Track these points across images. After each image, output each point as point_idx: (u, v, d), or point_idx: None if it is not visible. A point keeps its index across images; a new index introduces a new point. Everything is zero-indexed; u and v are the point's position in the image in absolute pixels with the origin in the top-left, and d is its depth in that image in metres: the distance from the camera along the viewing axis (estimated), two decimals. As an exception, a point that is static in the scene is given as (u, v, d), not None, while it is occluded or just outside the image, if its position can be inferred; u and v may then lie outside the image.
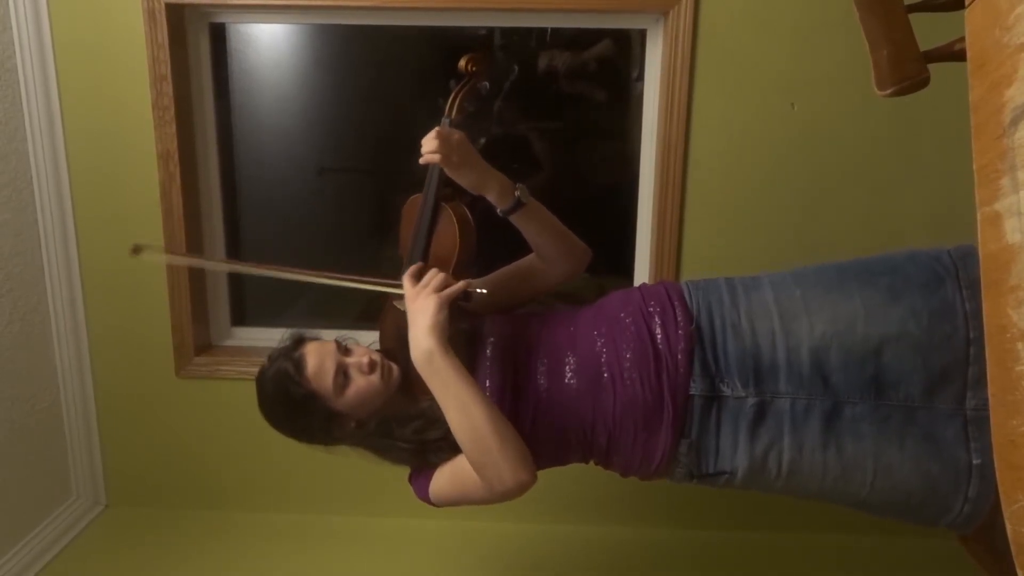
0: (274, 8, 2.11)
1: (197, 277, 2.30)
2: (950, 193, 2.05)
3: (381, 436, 1.36)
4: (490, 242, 1.51)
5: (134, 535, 2.28)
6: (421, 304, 1.24)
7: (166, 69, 2.08)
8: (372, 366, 1.33)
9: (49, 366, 2.29)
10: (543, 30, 2.21)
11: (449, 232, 1.42)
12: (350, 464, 2.35)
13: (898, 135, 2.06)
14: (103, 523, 2.36)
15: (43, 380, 2.27)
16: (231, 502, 2.41)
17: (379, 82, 2.32)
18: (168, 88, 2.10)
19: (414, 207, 1.47)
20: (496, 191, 1.36)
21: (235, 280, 2.43)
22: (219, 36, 2.24)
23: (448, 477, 1.33)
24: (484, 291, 1.31)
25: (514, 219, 1.39)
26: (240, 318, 2.46)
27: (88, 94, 2.14)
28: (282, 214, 2.40)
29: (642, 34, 2.14)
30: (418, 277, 1.29)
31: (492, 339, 1.36)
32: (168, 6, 2.05)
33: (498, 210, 1.38)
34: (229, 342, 2.44)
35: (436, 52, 2.28)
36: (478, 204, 1.42)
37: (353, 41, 2.26)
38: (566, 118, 2.31)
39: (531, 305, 1.56)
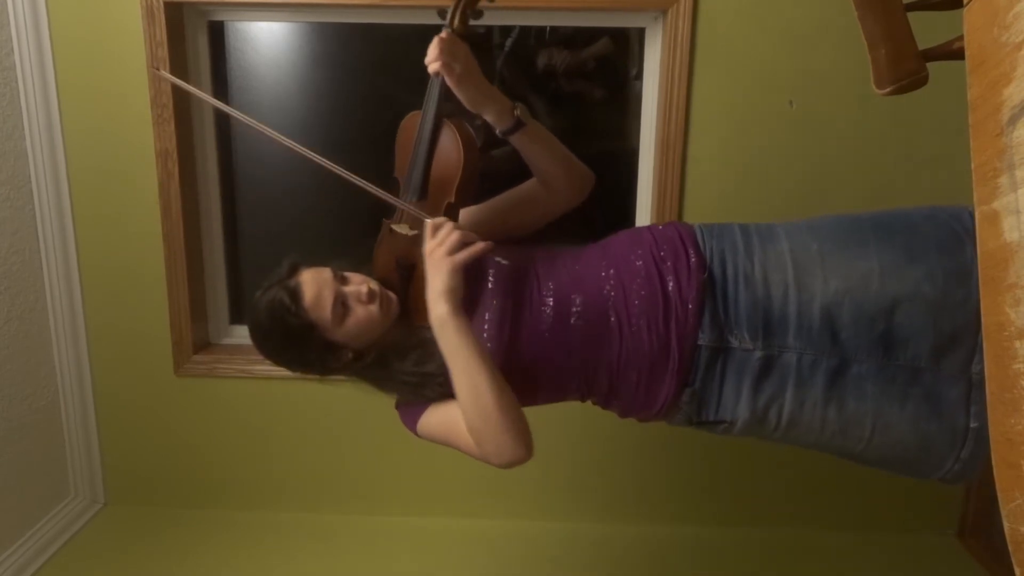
0: (273, 6, 2.11)
1: (196, 275, 2.30)
2: (948, 191, 2.05)
3: (378, 367, 1.32)
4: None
5: (132, 533, 2.28)
6: (435, 264, 1.20)
7: (165, 67, 2.08)
8: (371, 296, 1.29)
9: (47, 364, 2.29)
10: (542, 28, 2.21)
11: (452, 150, 1.31)
12: (349, 463, 2.36)
13: (896, 133, 2.06)
14: (101, 521, 2.36)
15: (41, 378, 2.27)
16: (230, 500, 2.41)
17: (377, 80, 2.32)
18: (167, 86, 2.10)
19: (412, 125, 1.36)
20: (495, 110, 1.30)
21: (234, 278, 2.43)
22: (218, 34, 2.24)
23: (442, 423, 1.29)
24: (505, 262, 1.25)
25: (514, 140, 1.33)
26: (239, 316, 2.46)
27: (87, 92, 2.14)
28: (281, 212, 2.40)
29: (641, 32, 2.15)
30: (436, 229, 1.22)
31: (494, 271, 1.31)
32: (167, 4, 2.05)
33: (497, 130, 1.32)
34: (228, 340, 2.44)
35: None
36: (479, 126, 1.35)
37: (351, 39, 2.26)
38: (565, 116, 2.31)
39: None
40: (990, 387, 0.73)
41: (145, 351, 2.31)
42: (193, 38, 2.19)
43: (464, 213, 1.38)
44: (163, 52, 2.07)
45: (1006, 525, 0.71)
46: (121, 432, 2.39)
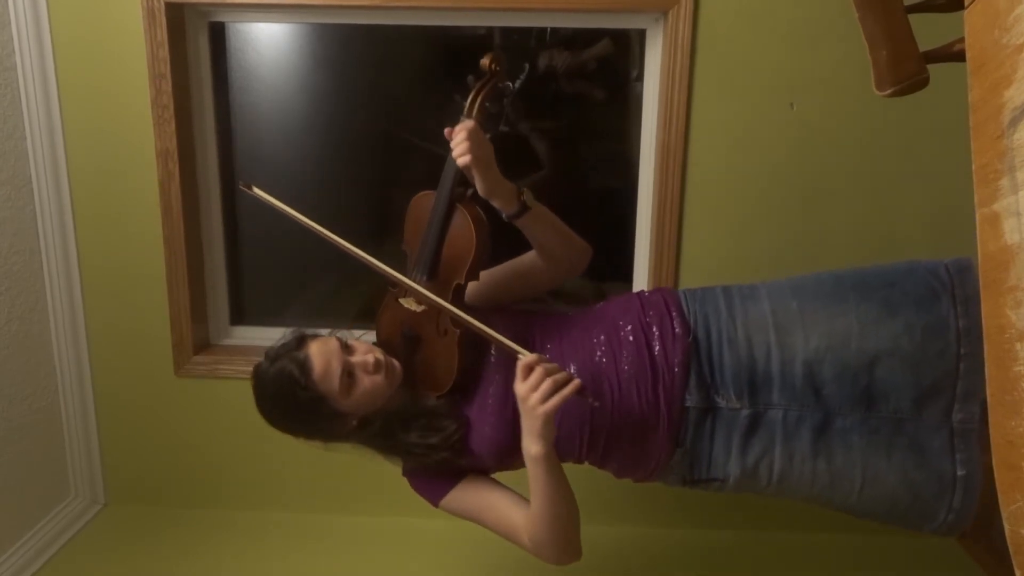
0: (273, 7, 2.11)
1: (197, 275, 2.30)
2: (949, 193, 2.05)
3: (383, 437, 1.37)
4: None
5: (133, 534, 2.28)
6: (529, 412, 1.21)
7: (165, 68, 2.08)
8: (377, 366, 1.33)
9: (48, 365, 2.29)
10: (543, 29, 2.21)
11: (465, 233, 1.36)
12: (349, 463, 2.34)
13: (897, 135, 2.06)
14: (102, 522, 2.36)
15: (42, 379, 2.27)
16: (230, 501, 2.41)
17: (379, 81, 2.32)
18: (167, 87, 2.10)
19: (423, 204, 1.41)
20: (505, 196, 1.34)
21: (234, 279, 2.43)
22: (218, 35, 2.24)
23: (481, 509, 1.36)
24: (597, 403, 1.27)
25: (519, 222, 1.37)
26: (239, 317, 2.46)
27: (87, 92, 2.14)
28: (281, 213, 2.40)
29: (641, 34, 2.14)
30: (528, 371, 1.22)
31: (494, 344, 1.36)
32: (167, 5, 2.05)
33: (504, 215, 1.36)
34: (228, 341, 2.43)
35: (436, 52, 2.28)
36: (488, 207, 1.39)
37: (353, 40, 2.26)
38: (565, 118, 2.31)
39: (528, 304, 1.55)
40: (990, 389, 0.73)
41: (145, 351, 2.31)
42: (194, 39, 2.19)
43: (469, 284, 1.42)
44: (164, 53, 2.07)
45: (1007, 527, 0.71)
46: (121, 432, 2.38)
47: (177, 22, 2.12)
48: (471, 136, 1.28)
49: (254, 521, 2.35)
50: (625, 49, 2.21)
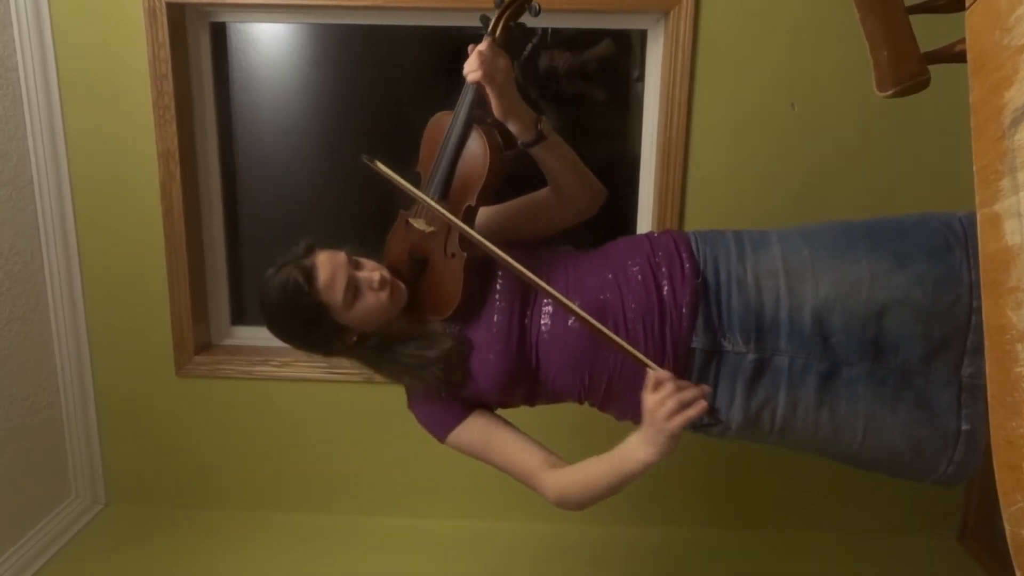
0: (275, 8, 2.11)
1: (197, 276, 2.30)
2: (950, 194, 2.05)
3: (380, 350, 1.36)
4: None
5: (133, 534, 2.28)
6: (654, 423, 1.19)
7: (167, 68, 2.09)
8: (383, 283, 1.31)
9: (49, 365, 2.29)
10: (544, 30, 2.21)
11: (480, 155, 1.34)
12: (349, 464, 2.36)
13: (898, 136, 2.06)
14: (102, 522, 2.36)
15: (43, 379, 2.27)
16: (230, 501, 2.41)
17: (379, 82, 2.32)
18: (169, 87, 2.10)
19: (441, 123, 1.39)
20: (522, 121, 1.31)
21: (235, 279, 2.43)
22: (220, 35, 2.24)
23: (489, 448, 1.35)
24: (719, 426, 1.26)
25: (534, 152, 1.35)
26: (240, 317, 2.46)
27: (89, 93, 2.15)
28: (282, 213, 2.40)
29: (642, 34, 2.15)
30: (658, 384, 1.19)
31: (501, 273, 1.35)
32: (169, 5, 2.05)
33: (519, 142, 1.34)
34: (229, 341, 2.44)
35: (436, 52, 2.28)
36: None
37: (353, 41, 2.26)
38: (566, 118, 2.31)
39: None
40: (991, 390, 0.73)
41: (146, 352, 2.31)
42: (195, 39, 2.19)
43: (479, 214, 1.40)
44: (165, 53, 2.07)
45: (1007, 528, 0.71)
46: (122, 433, 2.39)
47: (178, 22, 2.12)
48: (484, 53, 1.25)
49: (254, 521, 2.35)
50: (626, 49, 2.22)
